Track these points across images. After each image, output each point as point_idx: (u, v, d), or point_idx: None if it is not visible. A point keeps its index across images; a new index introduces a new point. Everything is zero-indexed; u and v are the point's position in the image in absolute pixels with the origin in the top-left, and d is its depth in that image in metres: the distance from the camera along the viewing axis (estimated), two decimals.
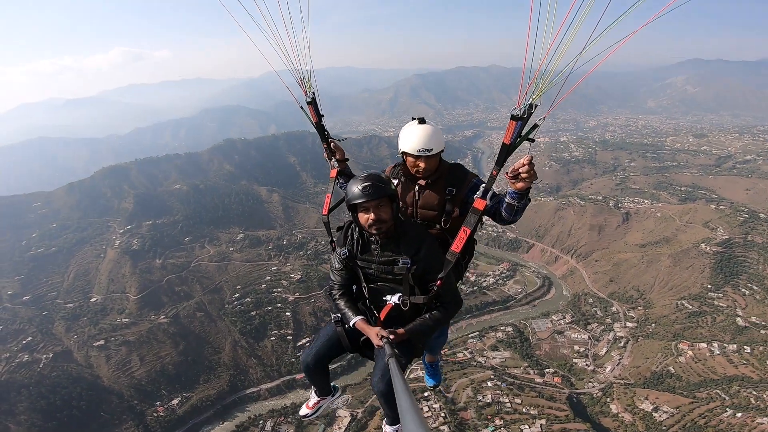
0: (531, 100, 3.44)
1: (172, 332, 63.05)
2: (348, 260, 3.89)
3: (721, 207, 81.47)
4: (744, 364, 52.77)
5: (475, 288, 74.66)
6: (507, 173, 3.70)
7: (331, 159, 4.69)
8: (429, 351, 5.93)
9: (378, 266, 3.79)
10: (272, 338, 64.23)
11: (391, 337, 3.48)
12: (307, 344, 62.60)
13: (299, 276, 75.68)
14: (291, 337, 64.29)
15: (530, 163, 3.53)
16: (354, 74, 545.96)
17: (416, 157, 4.06)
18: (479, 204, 3.84)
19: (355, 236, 3.88)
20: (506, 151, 3.65)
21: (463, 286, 71.45)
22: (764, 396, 46.92)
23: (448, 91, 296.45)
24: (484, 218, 4.08)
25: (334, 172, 4.60)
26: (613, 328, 63.42)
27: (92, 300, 72.08)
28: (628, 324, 64.01)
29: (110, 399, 52.97)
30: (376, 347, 3.55)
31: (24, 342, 59.81)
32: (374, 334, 3.52)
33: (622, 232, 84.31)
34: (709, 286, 65.53)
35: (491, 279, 77.43)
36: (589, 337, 61.99)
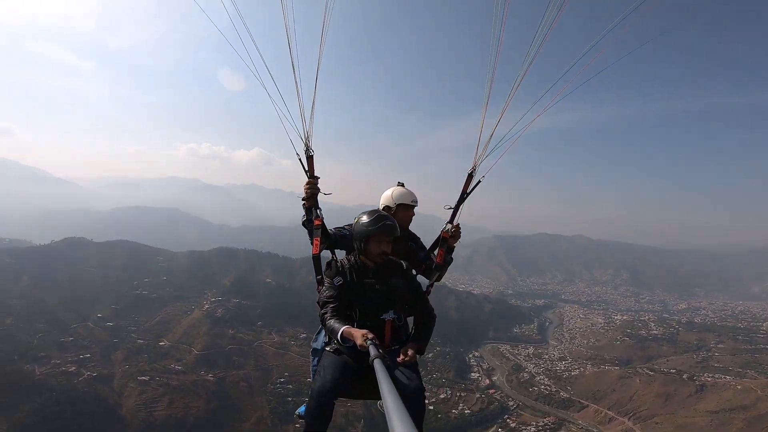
0: (471, 169, 4.69)
1: (212, 390, 56.65)
2: (342, 287, 3.84)
3: None
4: None
5: None
6: (446, 231, 4.64)
7: (318, 209, 4.52)
8: None
9: (375, 287, 3.85)
10: (297, 425, 54.55)
11: (373, 337, 3.16)
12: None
13: None
14: None
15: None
16: (438, 224, 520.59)
17: (409, 207, 4.74)
18: (445, 234, 4.65)
19: (347, 267, 3.94)
20: (464, 196, 4.78)
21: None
22: None
23: (525, 257, 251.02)
24: None
25: (318, 222, 4.42)
26: None
27: (161, 344, 69.05)
28: None
29: (113, 426, 46.50)
30: (359, 348, 3.21)
31: (81, 356, 56.69)
32: (360, 335, 3.22)
33: (693, 401, 66.91)
34: None
35: (532, 428, 65.11)
36: None
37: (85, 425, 44.16)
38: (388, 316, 3.81)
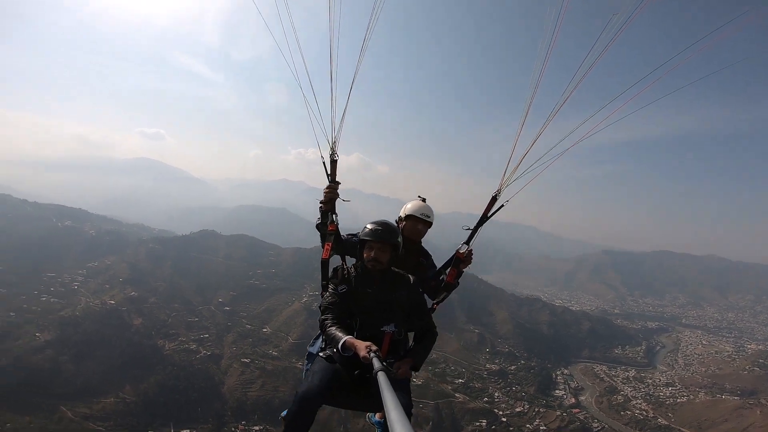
0: (496, 192, 4.47)
1: (298, 377, 61.92)
2: (345, 295, 3.82)
3: None
4: None
5: None
6: (461, 252, 4.55)
7: (334, 215, 4.58)
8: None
9: (377, 296, 3.80)
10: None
11: (377, 349, 3.08)
12: None
13: None
14: None
15: (471, 251, 4.59)
16: (535, 236, 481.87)
17: (417, 220, 4.68)
18: (460, 255, 4.56)
19: (353, 273, 3.91)
20: (485, 219, 4.58)
21: None
22: None
23: (640, 276, 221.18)
24: None
25: (333, 227, 4.49)
26: None
27: (264, 330, 77.90)
28: None
29: (214, 402, 54.18)
30: (362, 359, 3.09)
31: (201, 336, 66.93)
32: (363, 347, 3.12)
33: None
34: None
35: None
36: None
37: (193, 399, 52.84)
38: (389, 328, 3.75)
